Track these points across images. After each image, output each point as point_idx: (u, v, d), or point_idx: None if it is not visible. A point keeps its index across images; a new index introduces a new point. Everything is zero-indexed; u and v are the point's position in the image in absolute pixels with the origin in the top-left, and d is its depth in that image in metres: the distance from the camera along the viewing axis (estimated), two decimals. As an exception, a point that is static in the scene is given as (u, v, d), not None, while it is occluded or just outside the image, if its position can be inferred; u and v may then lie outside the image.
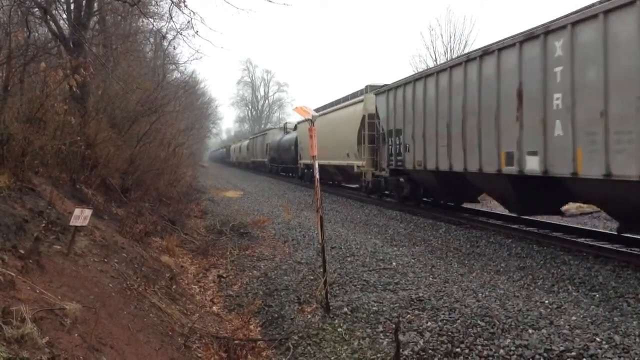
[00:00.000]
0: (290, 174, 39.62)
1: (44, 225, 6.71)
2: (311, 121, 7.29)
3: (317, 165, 7.34)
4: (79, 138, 10.26)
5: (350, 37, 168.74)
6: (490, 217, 15.54)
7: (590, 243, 10.82)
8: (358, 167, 22.35)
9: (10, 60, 8.03)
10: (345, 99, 26.23)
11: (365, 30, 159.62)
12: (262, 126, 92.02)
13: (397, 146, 17.76)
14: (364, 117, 21.38)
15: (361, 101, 22.25)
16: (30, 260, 5.34)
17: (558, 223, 13.50)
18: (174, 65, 28.74)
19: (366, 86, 22.48)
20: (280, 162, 41.78)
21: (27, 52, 8.63)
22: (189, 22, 20.44)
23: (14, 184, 7.29)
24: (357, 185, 26.20)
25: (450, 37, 34.74)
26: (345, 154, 24.13)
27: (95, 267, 6.59)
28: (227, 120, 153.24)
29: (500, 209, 15.85)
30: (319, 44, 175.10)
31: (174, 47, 36.55)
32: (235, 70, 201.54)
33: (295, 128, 37.32)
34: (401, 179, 18.31)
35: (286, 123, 46.02)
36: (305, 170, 32.28)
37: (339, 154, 24.97)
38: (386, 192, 20.82)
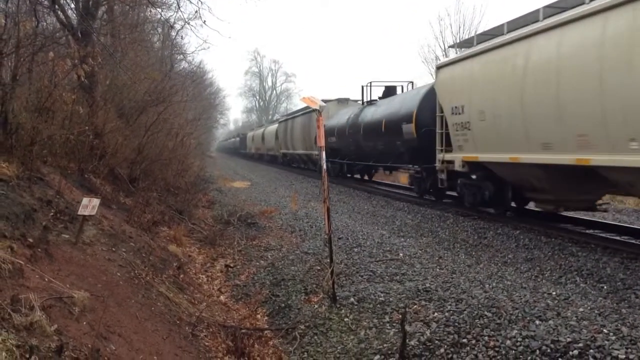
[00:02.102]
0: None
1: (52, 214, 6.74)
2: (318, 111, 7.27)
3: (324, 156, 7.33)
4: (87, 128, 10.30)
5: (358, 27, 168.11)
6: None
7: (599, 235, 10.77)
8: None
9: (19, 50, 8.04)
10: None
11: (373, 20, 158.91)
12: (270, 117, 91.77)
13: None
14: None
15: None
16: (39, 249, 5.38)
17: (567, 215, 13.45)
18: (181, 56, 28.73)
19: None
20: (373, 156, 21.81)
21: (35, 41, 8.65)
22: (196, 11, 20.37)
23: (23, 173, 7.32)
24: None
25: (460, 27, 34.54)
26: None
27: (104, 256, 6.63)
28: (234, 111, 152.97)
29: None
30: (327, 34, 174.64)
31: (182, 37, 36.43)
32: (243, 61, 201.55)
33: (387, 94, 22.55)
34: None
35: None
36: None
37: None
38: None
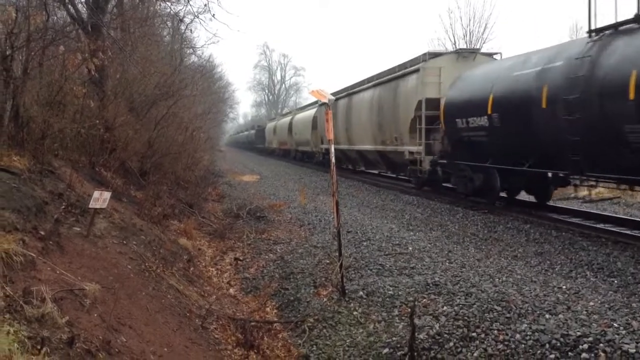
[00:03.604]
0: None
1: (63, 207, 6.79)
2: (327, 105, 7.27)
3: (333, 150, 7.33)
4: (97, 121, 10.35)
5: (367, 20, 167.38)
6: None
7: (610, 229, 10.70)
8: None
9: (30, 44, 8.08)
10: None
11: (383, 12, 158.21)
12: (280, 110, 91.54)
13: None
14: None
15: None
16: (51, 242, 5.43)
17: (577, 209, 13.38)
18: (191, 49, 28.70)
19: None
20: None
21: (46, 35, 8.68)
22: (205, 5, 20.47)
23: (34, 167, 7.38)
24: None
25: (470, 20, 34.15)
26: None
27: (114, 249, 6.68)
28: (244, 105, 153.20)
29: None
30: (336, 26, 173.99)
31: (191, 30, 36.42)
32: (252, 55, 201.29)
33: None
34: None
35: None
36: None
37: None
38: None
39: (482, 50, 20.33)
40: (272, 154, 53.98)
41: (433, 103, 16.77)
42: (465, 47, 27.73)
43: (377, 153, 22.23)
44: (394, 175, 23.01)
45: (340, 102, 26.93)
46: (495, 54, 18.21)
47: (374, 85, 22.46)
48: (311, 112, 35.73)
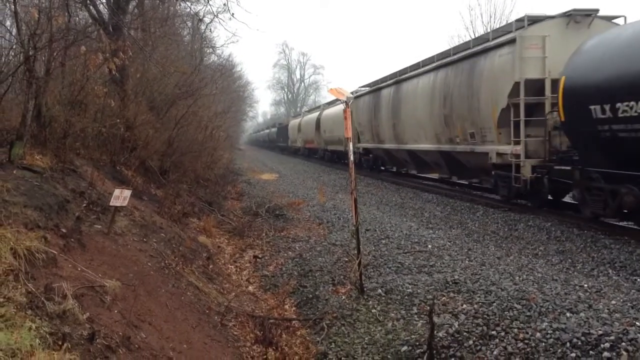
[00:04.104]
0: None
1: (85, 205, 6.88)
2: (346, 103, 7.26)
3: (351, 147, 7.32)
4: (118, 120, 10.47)
5: (386, 18, 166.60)
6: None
7: (633, 227, 10.52)
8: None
9: (52, 44, 8.19)
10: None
11: (402, 10, 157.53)
12: (298, 109, 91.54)
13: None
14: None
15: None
16: (72, 239, 5.50)
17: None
18: (210, 49, 28.87)
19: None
20: None
21: (67, 36, 8.80)
22: (225, 4, 20.61)
23: (56, 165, 7.49)
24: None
25: (490, 17, 33.76)
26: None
27: (135, 246, 6.75)
28: (263, 104, 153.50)
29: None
30: (355, 24, 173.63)
31: (211, 30, 36.70)
32: (271, 54, 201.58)
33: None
34: None
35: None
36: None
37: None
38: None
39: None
40: (295, 153, 50.85)
41: (534, 86, 12.63)
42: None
43: (438, 154, 17.70)
44: (465, 183, 18.45)
45: (383, 92, 22.51)
46: (617, 17, 13.04)
47: (436, 68, 17.44)
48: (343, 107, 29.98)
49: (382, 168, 26.03)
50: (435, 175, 21.04)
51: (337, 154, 33.36)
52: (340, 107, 27.69)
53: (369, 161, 26.97)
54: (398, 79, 21.17)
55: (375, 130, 23.80)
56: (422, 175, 22.67)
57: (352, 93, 7.28)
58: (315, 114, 40.83)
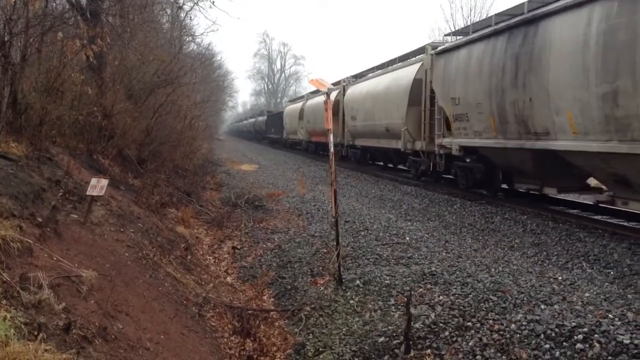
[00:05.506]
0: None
1: (61, 194, 6.79)
2: (327, 94, 7.25)
3: (332, 139, 7.32)
4: (95, 108, 10.34)
5: (367, 10, 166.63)
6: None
7: (607, 220, 10.72)
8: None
9: (28, 30, 8.04)
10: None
11: (383, 2, 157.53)
12: (279, 100, 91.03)
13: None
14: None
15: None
16: (48, 229, 5.43)
17: (575, 200, 13.38)
18: (190, 37, 28.61)
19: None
20: None
21: (44, 22, 8.64)
22: (205, -8, 20.33)
23: (32, 153, 7.37)
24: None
25: (471, 10, 34.03)
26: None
27: (112, 236, 6.68)
28: (243, 94, 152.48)
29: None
30: (336, 15, 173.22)
31: (191, 18, 36.20)
32: (252, 43, 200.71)
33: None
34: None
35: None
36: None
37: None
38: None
39: None
40: (292, 147, 40.20)
41: None
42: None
43: (596, 158, 9.38)
44: None
45: (458, 53, 13.64)
46: None
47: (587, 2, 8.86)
48: (368, 83, 22.30)
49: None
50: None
51: (381, 152, 22.71)
52: (379, 83, 20.60)
53: (356, 154, 24.19)
54: (481, 34, 12.49)
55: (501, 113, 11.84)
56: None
57: (323, 90, 7.17)
58: (316, 99, 30.04)
